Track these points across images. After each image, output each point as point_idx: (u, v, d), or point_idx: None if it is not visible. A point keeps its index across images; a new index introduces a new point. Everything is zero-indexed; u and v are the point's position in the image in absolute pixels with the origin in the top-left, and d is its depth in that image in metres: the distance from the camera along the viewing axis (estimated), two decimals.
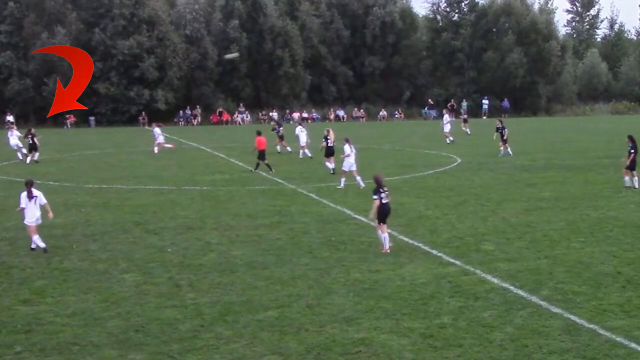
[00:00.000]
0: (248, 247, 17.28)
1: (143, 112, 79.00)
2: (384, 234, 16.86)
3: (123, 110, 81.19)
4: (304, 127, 41.09)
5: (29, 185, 17.25)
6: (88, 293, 13.50)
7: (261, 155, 32.70)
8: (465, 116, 67.36)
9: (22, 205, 17.19)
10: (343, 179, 27.34)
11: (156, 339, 11.04)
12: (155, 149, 43.46)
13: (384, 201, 16.66)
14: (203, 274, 14.84)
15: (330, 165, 31.91)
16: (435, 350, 10.60)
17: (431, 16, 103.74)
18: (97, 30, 79.90)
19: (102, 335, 11.21)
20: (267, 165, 32.67)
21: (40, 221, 17.29)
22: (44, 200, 17.41)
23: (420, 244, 17.48)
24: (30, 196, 17.10)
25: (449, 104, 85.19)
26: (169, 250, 17.07)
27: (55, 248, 17.30)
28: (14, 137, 41.44)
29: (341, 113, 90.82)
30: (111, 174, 33.37)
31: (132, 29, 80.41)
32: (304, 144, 39.67)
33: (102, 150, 47.86)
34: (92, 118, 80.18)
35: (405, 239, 18.02)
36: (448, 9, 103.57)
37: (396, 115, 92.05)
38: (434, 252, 16.66)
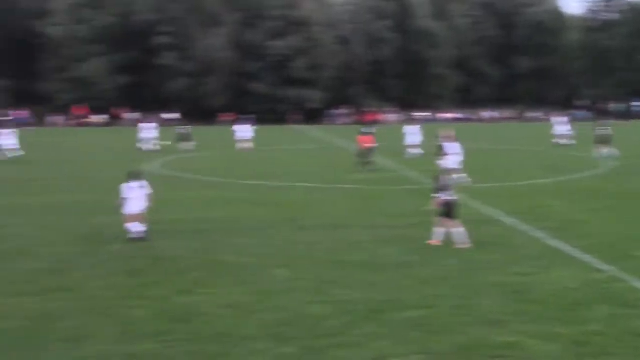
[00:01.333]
0: (395, 246, 17.43)
1: (294, 111, 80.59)
2: (444, 229, 17.36)
3: (276, 109, 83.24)
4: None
5: (134, 176, 18.42)
6: (242, 286, 14.03)
7: (363, 153, 33.40)
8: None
9: (126, 195, 18.22)
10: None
11: (305, 334, 11.36)
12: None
13: (447, 198, 17.20)
14: (351, 271, 15.11)
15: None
16: (583, 358, 10.39)
17: (584, 16, 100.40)
18: (253, 32, 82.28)
19: (255, 328, 11.64)
20: (365, 163, 33.22)
21: (144, 211, 18.32)
22: (148, 191, 18.45)
23: (570, 248, 17.07)
24: (135, 187, 18.23)
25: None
26: (318, 247, 17.45)
27: (211, 241, 18.06)
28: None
29: (490, 114, 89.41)
30: (264, 170, 34.39)
31: (285, 30, 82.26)
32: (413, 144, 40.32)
33: (256, 147, 49.24)
34: (247, 116, 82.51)
35: (555, 243, 17.65)
36: (602, 9, 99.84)
37: (545, 117, 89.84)
38: (585, 257, 16.24)
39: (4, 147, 41.26)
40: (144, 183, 18.68)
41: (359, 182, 29.52)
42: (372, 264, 15.79)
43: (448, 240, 17.78)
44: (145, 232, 18.25)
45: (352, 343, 10.95)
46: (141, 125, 50.52)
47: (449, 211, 17.33)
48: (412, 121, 58.23)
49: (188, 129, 50.92)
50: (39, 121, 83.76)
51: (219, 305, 12.78)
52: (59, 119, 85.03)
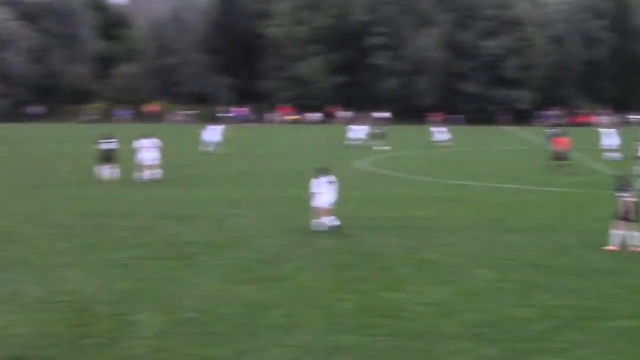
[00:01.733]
0: (606, 253, 16.86)
1: (504, 112, 79.07)
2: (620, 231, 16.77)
3: (485, 110, 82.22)
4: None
5: (323, 172, 19.51)
6: (445, 285, 14.16)
7: (559, 156, 33.03)
8: None
9: (316, 190, 19.14)
10: None
11: (509, 337, 11.31)
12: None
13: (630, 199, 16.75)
14: (558, 276, 14.81)
15: None
16: None
17: None
18: (465, 32, 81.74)
19: (457, 327, 11.74)
20: (561, 165, 32.83)
21: (332, 205, 19.21)
22: (335, 186, 19.47)
23: None
24: (328, 182, 19.13)
25: None
26: (526, 250, 17.21)
27: (417, 240, 18.31)
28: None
29: None
30: (471, 171, 34.21)
31: (498, 30, 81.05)
32: None
33: (462, 148, 48.99)
34: (455, 116, 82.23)
35: None
36: None
37: None
38: None
39: (210, 142, 44.46)
40: (333, 178, 19.48)
41: (569, 186, 28.64)
42: (580, 269, 15.39)
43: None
44: (339, 225, 18.87)
45: (556, 349, 10.78)
46: (351, 127, 52.91)
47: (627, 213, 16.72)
48: (625, 124, 55.52)
49: (383, 129, 51.79)
50: (258, 118, 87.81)
51: (423, 303, 12.98)
52: (277, 116, 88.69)
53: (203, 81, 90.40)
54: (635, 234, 16.78)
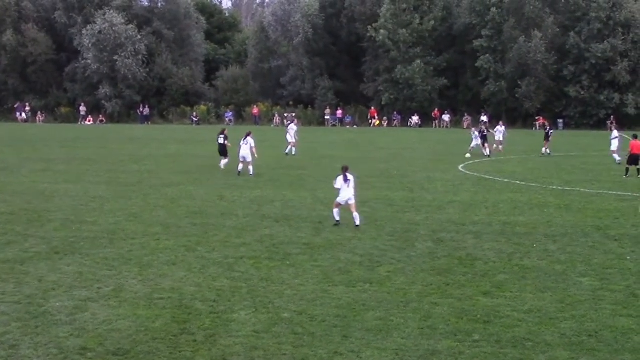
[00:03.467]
0: None
1: (612, 117, 76.67)
2: None
3: (592, 114, 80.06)
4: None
5: (344, 170, 20.31)
6: (545, 292, 13.88)
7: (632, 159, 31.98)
8: None
9: (338, 186, 20.24)
10: None
11: (608, 347, 11.01)
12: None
13: None
14: None
15: None
16: None
17: None
18: (572, 34, 79.81)
19: (555, 335, 11.50)
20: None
21: (352, 201, 20.16)
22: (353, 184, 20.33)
23: None
24: (345, 179, 20.08)
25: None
26: (628, 258, 16.70)
27: (517, 245, 17.99)
28: None
29: None
30: (575, 176, 33.39)
31: (607, 32, 78.78)
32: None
33: (567, 152, 47.85)
34: (560, 120, 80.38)
35: None
36: None
37: None
38: None
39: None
40: (351, 177, 20.23)
41: None
42: None
43: None
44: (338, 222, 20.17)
45: None
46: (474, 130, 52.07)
47: None
48: None
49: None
50: (363, 121, 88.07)
51: (520, 309, 12.77)
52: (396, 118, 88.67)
53: (306, 84, 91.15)
54: None
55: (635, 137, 33.16)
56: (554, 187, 29.08)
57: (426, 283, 14.46)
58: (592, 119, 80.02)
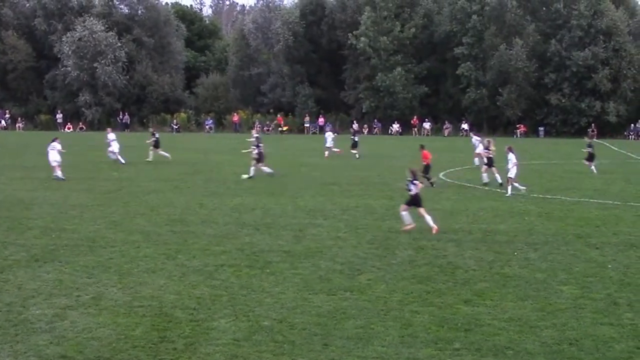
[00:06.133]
0: None
1: (592, 125, 77.21)
2: None
3: (573, 122, 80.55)
4: None
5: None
6: (525, 300, 13.90)
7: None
8: None
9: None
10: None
11: (589, 355, 11.03)
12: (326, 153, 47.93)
13: None
14: None
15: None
16: None
17: None
18: (553, 42, 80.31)
19: (536, 344, 11.51)
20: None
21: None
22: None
23: None
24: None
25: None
26: (609, 266, 16.78)
27: (497, 254, 18.04)
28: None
29: None
30: (556, 184, 33.55)
31: (588, 40, 79.31)
32: None
33: (548, 160, 48.11)
34: (541, 128, 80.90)
35: None
36: None
37: None
38: None
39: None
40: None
41: None
42: None
43: None
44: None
45: None
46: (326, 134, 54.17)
47: None
48: None
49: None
50: (342, 129, 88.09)
51: (501, 317, 12.79)
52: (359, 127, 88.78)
53: (287, 91, 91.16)
54: None
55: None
56: (535, 195, 29.18)
57: (407, 291, 14.44)
58: (573, 126, 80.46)
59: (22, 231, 20.50)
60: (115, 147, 42.13)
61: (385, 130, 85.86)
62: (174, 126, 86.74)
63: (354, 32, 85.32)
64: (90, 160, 44.66)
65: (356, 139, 49.16)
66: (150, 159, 43.26)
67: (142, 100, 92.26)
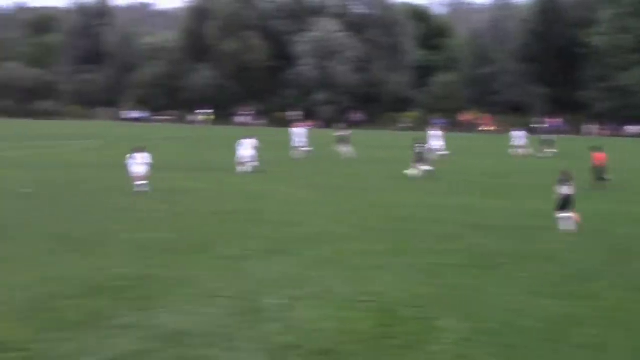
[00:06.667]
0: None
1: None
2: None
3: None
4: None
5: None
6: None
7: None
8: None
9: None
10: None
11: None
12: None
13: None
14: None
15: None
16: None
17: None
18: None
19: None
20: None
21: None
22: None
23: None
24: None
25: None
26: None
27: None
28: None
29: None
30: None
31: None
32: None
33: None
34: None
35: None
36: None
37: None
38: None
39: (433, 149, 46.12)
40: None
41: None
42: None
43: None
44: None
45: None
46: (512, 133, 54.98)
47: None
48: None
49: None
50: (574, 129, 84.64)
51: None
52: (594, 127, 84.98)
53: (519, 90, 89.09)
54: None
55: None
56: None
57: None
58: None
59: (258, 224, 21.52)
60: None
61: (619, 131, 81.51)
62: (403, 125, 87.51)
63: (592, 30, 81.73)
64: (319, 157, 46.06)
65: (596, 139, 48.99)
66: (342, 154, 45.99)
67: (373, 99, 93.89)
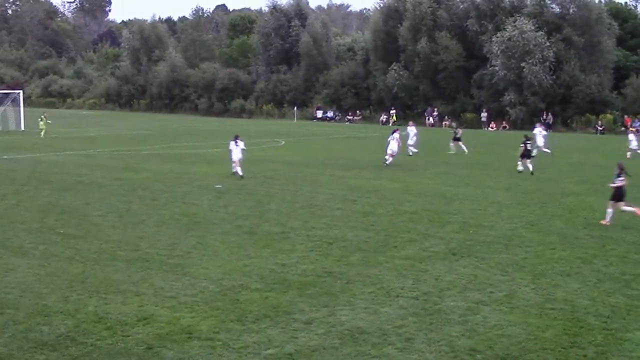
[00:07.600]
0: None
1: None
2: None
3: None
4: None
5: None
6: None
7: None
8: None
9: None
10: None
11: None
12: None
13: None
14: None
15: None
16: None
17: None
18: None
19: None
20: None
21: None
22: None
23: None
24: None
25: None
26: None
27: None
28: None
29: None
30: None
31: None
32: None
33: None
34: None
35: None
36: None
37: None
38: None
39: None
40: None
41: None
42: None
43: None
44: None
45: None
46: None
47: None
48: None
49: None
50: None
51: None
52: None
53: None
54: None
55: None
56: None
57: None
58: None
59: (442, 225, 21.51)
60: (412, 140, 46.61)
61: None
62: (599, 127, 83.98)
63: None
64: (512, 159, 45.15)
65: None
66: (452, 151, 46.90)
67: (567, 100, 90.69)
